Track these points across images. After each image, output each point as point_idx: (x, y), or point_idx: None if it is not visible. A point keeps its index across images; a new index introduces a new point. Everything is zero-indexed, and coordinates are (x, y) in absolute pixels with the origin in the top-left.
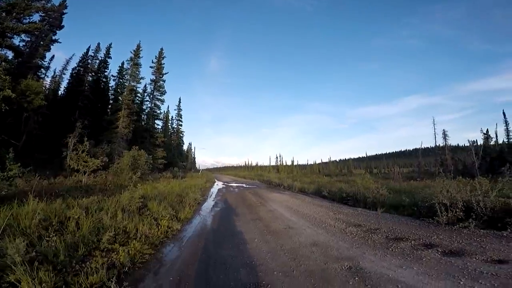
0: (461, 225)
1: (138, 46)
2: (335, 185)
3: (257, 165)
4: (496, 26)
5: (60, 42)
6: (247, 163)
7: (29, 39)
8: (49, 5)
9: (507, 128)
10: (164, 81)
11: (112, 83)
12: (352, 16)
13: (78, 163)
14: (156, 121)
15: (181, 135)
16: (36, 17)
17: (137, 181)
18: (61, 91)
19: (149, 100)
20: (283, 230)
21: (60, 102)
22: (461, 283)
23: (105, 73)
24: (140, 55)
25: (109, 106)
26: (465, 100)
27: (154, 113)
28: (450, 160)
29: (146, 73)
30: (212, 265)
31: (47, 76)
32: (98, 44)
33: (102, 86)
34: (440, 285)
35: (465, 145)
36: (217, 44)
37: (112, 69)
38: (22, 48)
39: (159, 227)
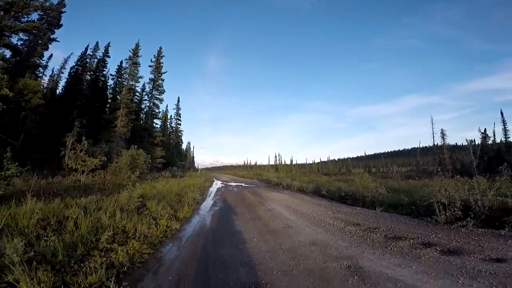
0: (459, 224)
1: (137, 45)
2: (334, 184)
3: (256, 164)
4: (495, 26)
5: (59, 41)
6: (246, 162)
7: (27, 37)
8: (48, 3)
9: (504, 128)
10: (162, 80)
11: (110, 82)
12: (351, 16)
13: (77, 162)
14: (155, 120)
15: (180, 134)
16: (34, 16)
17: (135, 181)
18: (59, 90)
19: (148, 99)
20: (282, 229)
21: (58, 101)
22: (460, 281)
23: (104, 72)
24: (139, 54)
25: (108, 105)
26: (463, 100)
27: (153, 112)
28: (448, 159)
29: (145, 72)
30: (211, 264)
31: (45, 75)
32: (97, 43)
33: (100, 85)
34: (439, 283)
35: (463, 144)
36: (216, 43)
37: (111, 68)
38: (20, 47)
39: (158, 227)
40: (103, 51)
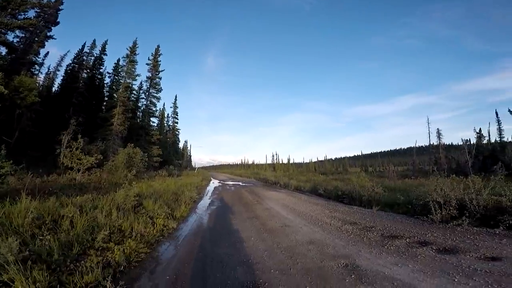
0: (455, 223)
1: (135, 43)
2: (331, 183)
3: (253, 163)
4: (493, 26)
5: (55, 39)
6: (243, 161)
7: (23, 35)
8: (45, 1)
9: (499, 127)
10: (160, 78)
11: (107, 80)
12: (350, 15)
13: (72, 160)
14: (152, 119)
15: (177, 132)
16: (31, 13)
17: (132, 179)
18: (55, 88)
19: (145, 97)
20: (280, 228)
21: (54, 99)
22: (456, 280)
23: (101, 70)
24: (137, 52)
25: (104, 103)
26: (459, 100)
27: (150, 111)
28: (444, 159)
29: (142, 70)
30: (208, 263)
31: (41, 73)
32: (94, 40)
33: (97, 83)
34: (435, 282)
35: (459, 144)
36: (215, 42)
37: (108, 66)
38: (16, 44)
39: (155, 226)
40: (100, 49)
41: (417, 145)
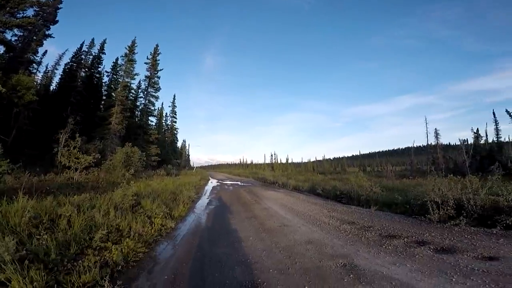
0: (452, 223)
1: (133, 42)
2: (329, 183)
3: (251, 163)
4: (491, 26)
5: (54, 37)
6: (241, 161)
7: (21, 33)
8: None
9: (496, 128)
10: (158, 77)
11: (105, 79)
12: (350, 15)
13: (70, 159)
14: (150, 118)
15: (175, 132)
16: (30, 12)
17: (130, 179)
18: (53, 87)
19: (143, 96)
20: (278, 228)
21: (52, 98)
22: (454, 279)
23: (99, 69)
24: (135, 51)
25: (102, 102)
26: (457, 100)
27: (148, 110)
28: (442, 159)
29: (141, 70)
30: (207, 263)
31: (39, 71)
32: (92, 39)
33: (95, 82)
34: (433, 281)
35: (457, 144)
36: (214, 41)
37: (106, 65)
38: (14, 43)
39: (153, 225)
40: (99, 48)
41: (415, 145)
